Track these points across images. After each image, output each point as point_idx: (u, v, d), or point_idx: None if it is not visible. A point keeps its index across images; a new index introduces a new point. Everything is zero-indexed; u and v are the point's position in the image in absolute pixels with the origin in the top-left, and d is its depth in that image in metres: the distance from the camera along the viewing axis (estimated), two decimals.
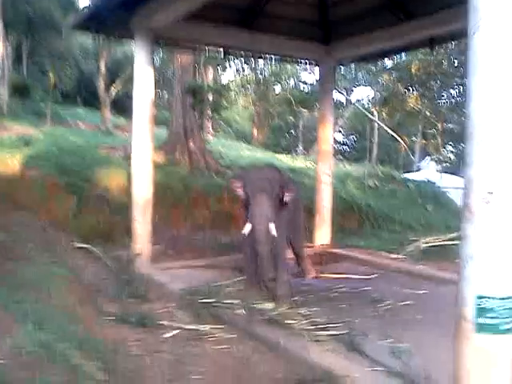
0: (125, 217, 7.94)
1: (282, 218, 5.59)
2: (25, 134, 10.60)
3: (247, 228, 5.29)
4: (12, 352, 2.63)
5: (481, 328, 2.66)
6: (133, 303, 4.90)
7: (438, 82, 20.30)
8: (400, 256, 7.94)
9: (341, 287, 6.07)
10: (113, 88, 20.18)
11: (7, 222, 6.51)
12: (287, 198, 5.62)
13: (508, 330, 2.66)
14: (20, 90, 19.75)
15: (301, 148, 29.64)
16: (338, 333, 4.31)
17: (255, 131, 31.56)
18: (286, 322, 4.37)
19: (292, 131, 34.67)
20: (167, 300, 5.11)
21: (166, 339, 4.07)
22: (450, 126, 25.77)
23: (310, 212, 9.29)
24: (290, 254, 6.81)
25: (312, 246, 8.55)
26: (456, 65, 18.71)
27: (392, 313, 5.07)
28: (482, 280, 2.67)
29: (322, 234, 8.78)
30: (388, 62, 21.36)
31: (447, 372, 3.16)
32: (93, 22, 7.28)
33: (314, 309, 5.04)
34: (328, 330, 4.33)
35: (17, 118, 15.92)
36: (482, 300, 2.65)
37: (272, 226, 5.24)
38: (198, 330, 4.28)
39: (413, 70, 18.87)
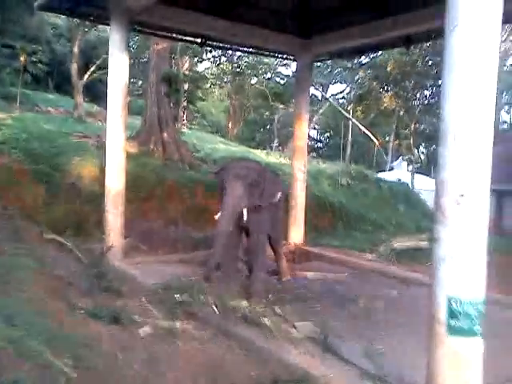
0: (97, 208, 7.80)
1: (262, 212, 5.59)
2: None
3: (218, 215, 5.28)
4: None
5: (453, 330, 2.70)
6: (105, 298, 4.80)
7: (413, 81, 20.57)
8: (372, 256, 8.02)
9: (314, 286, 6.10)
10: (86, 73, 19.71)
11: None
12: (276, 197, 5.67)
13: (480, 332, 2.69)
14: None
15: (276, 143, 29.67)
16: (312, 333, 4.32)
17: (230, 124, 31.45)
18: (260, 320, 4.34)
19: (267, 126, 34.65)
20: (140, 295, 5.02)
21: (140, 336, 3.99)
22: (423, 126, 26.22)
23: (285, 209, 9.31)
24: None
25: (285, 244, 8.55)
26: (430, 65, 18.98)
27: (365, 314, 5.11)
28: (454, 282, 2.71)
29: (296, 232, 8.79)
30: (364, 60, 21.56)
31: (420, 373, 3.20)
32: (65, 2, 7.08)
33: (288, 307, 5.05)
34: (302, 330, 4.34)
35: None
36: (454, 302, 2.68)
37: (244, 212, 5.24)
38: (171, 326, 4.22)
39: (388, 69, 19.07)
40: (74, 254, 5.99)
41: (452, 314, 2.69)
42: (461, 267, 2.68)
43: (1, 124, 9.34)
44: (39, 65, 19.99)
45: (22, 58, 18.82)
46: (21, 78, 18.54)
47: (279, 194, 5.77)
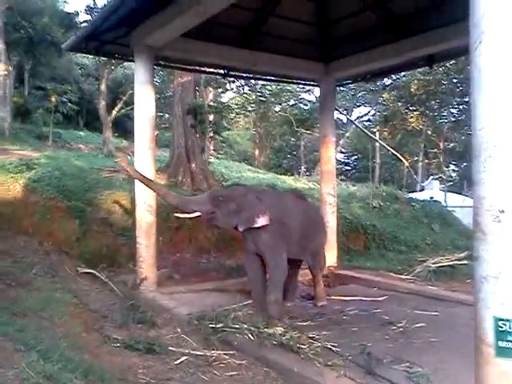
0: (129, 240, 7.87)
1: (265, 233, 5.57)
2: (27, 158, 10.56)
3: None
4: None
5: (502, 352, 2.54)
6: (140, 329, 4.79)
7: (438, 100, 20.37)
8: (409, 277, 7.82)
9: (351, 310, 5.96)
10: (114, 109, 20.26)
11: (10, 248, 6.41)
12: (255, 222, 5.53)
13: None
14: (22, 113, 19.85)
15: (303, 169, 29.65)
16: (351, 357, 4.20)
17: (257, 152, 31.64)
18: (297, 346, 4.25)
19: (294, 152, 34.72)
20: (175, 325, 4.99)
21: (176, 366, 3.94)
22: (452, 144, 25.85)
23: None
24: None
25: None
26: (455, 83, 18.77)
27: (405, 335, 4.95)
28: (499, 302, 2.56)
29: (329, 256, 8.61)
30: (388, 81, 21.51)
31: None
32: (90, 42, 7.32)
33: (325, 332, 4.94)
34: (341, 355, 4.22)
35: (19, 141, 15.95)
36: (501, 322, 2.53)
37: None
38: (207, 355, 4.18)
39: (412, 89, 18.96)
40: (108, 286, 6.01)
41: (500, 336, 2.55)
42: (505, 286, 2.55)
43: (34, 163, 9.59)
44: (69, 104, 20.69)
45: (52, 99, 19.54)
46: (52, 118, 19.20)
47: (260, 219, 5.46)
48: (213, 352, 4.23)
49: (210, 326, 4.77)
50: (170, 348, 4.29)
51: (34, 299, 4.67)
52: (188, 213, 5.56)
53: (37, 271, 5.74)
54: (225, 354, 4.24)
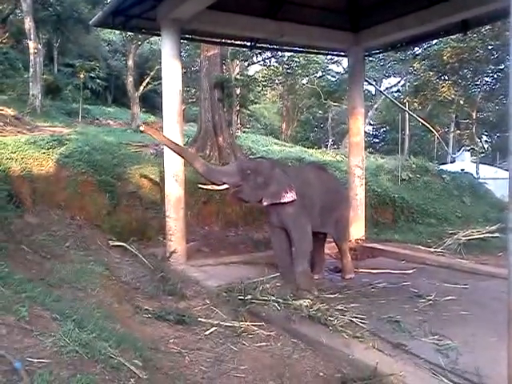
0: (158, 214, 8.00)
1: (289, 207, 5.57)
2: (58, 134, 10.74)
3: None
4: (54, 351, 2.61)
5: None
6: (170, 301, 4.90)
7: (472, 69, 19.69)
8: (438, 250, 7.74)
9: (379, 282, 5.95)
10: (142, 85, 20.33)
11: (44, 222, 6.59)
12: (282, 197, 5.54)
13: None
14: (52, 90, 20.11)
15: (330, 142, 29.34)
16: (380, 329, 4.21)
17: (284, 125, 31.41)
18: (324, 318, 4.28)
19: (321, 125, 34.33)
20: (204, 297, 5.09)
21: (205, 336, 4.03)
22: (485, 114, 25.08)
23: None
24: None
25: None
26: (490, 49, 18.06)
27: (434, 308, 4.93)
28: None
29: (357, 229, 8.64)
30: (418, 50, 20.88)
31: (497, 367, 3.04)
32: (117, 17, 7.33)
33: (353, 305, 4.96)
34: (369, 327, 4.24)
35: (50, 118, 16.23)
36: None
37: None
38: (235, 327, 4.24)
39: (445, 58, 18.34)
40: (139, 259, 6.14)
41: None
42: None
43: (65, 138, 9.75)
44: (97, 80, 20.89)
45: (81, 76, 19.74)
46: (81, 94, 19.41)
47: (287, 195, 5.46)
48: (241, 323, 4.30)
49: (239, 297, 4.83)
50: (200, 319, 4.38)
51: (68, 271, 4.81)
52: (214, 183, 5.51)
53: (70, 244, 5.92)
54: (253, 325, 4.30)
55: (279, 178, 5.54)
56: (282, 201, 5.46)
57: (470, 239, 8.03)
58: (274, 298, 4.72)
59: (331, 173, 7.79)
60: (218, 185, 5.49)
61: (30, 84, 17.07)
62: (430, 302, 5.10)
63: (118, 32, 21.82)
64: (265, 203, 5.52)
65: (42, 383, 2.16)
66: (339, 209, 6.24)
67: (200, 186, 5.77)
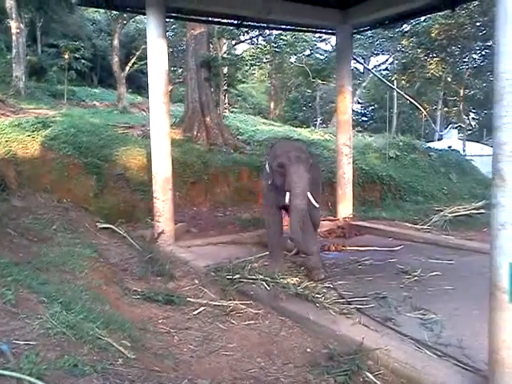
0: (146, 195, 7.98)
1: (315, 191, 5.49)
2: (43, 116, 10.60)
3: (287, 197, 5.07)
4: (40, 333, 2.62)
5: None
6: (159, 281, 4.92)
7: (460, 46, 19.64)
8: (425, 227, 7.82)
9: (366, 260, 6.02)
10: (127, 65, 20.03)
11: (30, 205, 6.54)
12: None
13: None
14: (36, 71, 19.73)
15: (319, 120, 29.26)
16: (366, 306, 4.27)
17: (272, 105, 31.23)
18: (312, 296, 4.32)
19: (310, 104, 34.19)
20: (193, 277, 5.12)
21: (194, 316, 4.06)
22: (472, 92, 25.12)
23: (332, 185, 9.21)
24: None
25: (335, 219, 8.48)
26: (479, 26, 17.99)
27: (420, 284, 5.01)
28: None
29: (344, 207, 8.70)
30: (407, 28, 20.75)
31: (479, 340, 3.11)
32: None
33: (340, 282, 5.02)
34: (356, 303, 4.30)
35: (34, 100, 15.97)
36: None
37: (310, 196, 5.12)
38: (224, 306, 4.29)
39: (433, 35, 18.26)
40: (127, 241, 6.13)
41: None
42: None
43: (50, 121, 9.63)
44: (82, 61, 20.44)
45: (65, 56, 19.33)
46: (66, 75, 19.07)
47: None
48: (230, 302, 4.34)
49: (227, 277, 4.85)
50: (189, 299, 4.41)
51: (56, 254, 4.78)
52: None
53: (57, 227, 5.87)
54: (242, 303, 4.35)
55: None
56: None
57: (456, 216, 8.14)
58: (261, 277, 4.74)
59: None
60: None
61: (13, 65, 16.68)
62: (416, 277, 5.18)
63: (102, 11, 21.35)
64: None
65: (29, 365, 2.16)
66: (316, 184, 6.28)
67: None
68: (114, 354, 2.68)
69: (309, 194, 5.08)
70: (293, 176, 5.00)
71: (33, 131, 8.63)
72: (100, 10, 18.86)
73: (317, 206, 5.38)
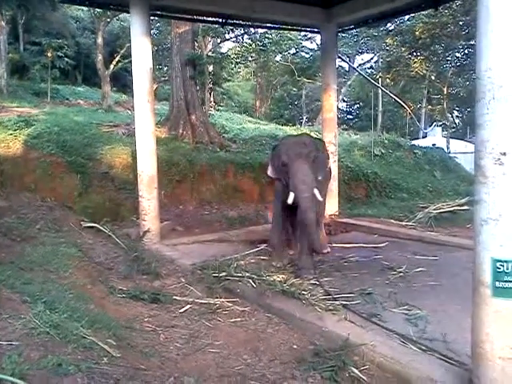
0: (131, 194, 7.93)
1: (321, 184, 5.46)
2: (26, 115, 10.48)
3: (291, 197, 5.03)
4: (23, 333, 2.59)
5: (499, 292, 2.60)
6: (145, 280, 4.89)
7: (443, 44, 19.84)
8: (410, 223, 7.89)
9: (352, 256, 6.04)
10: (112, 63, 19.88)
11: (13, 204, 6.47)
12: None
13: None
14: (18, 69, 19.50)
15: (305, 119, 29.34)
16: (351, 302, 4.29)
17: (258, 103, 31.24)
18: (298, 293, 4.33)
19: (295, 102, 34.27)
20: (179, 275, 5.10)
21: (180, 314, 4.05)
22: (456, 90, 25.38)
23: None
24: None
25: None
26: (461, 25, 18.20)
27: (405, 280, 5.04)
28: (497, 243, 2.59)
29: (330, 204, 8.70)
30: (391, 26, 20.91)
31: (463, 335, 3.14)
32: None
33: (326, 279, 5.04)
34: (341, 300, 4.31)
35: (17, 99, 15.78)
36: (499, 264, 2.58)
37: (316, 192, 5.07)
38: (210, 303, 4.27)
39: (417, 33, 18.42)
40: (112, 239, 6.08)
41: (497, 276, 2.60)
42: (504, 228, 2.57)
43: (33, 119, 9.52)
44: (66, 59, 20.25)
45: (49, 54, 19.14)
46: (49, 74, 18.87)
47: (329, 165, 5.91)
48: (216, 300, 4.33)
49: (213, 275, 4.84)
50: (175, 297, 4.39)
51: (40, 254, 4.74)
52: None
53: (41, 226, 5.81)
54: (228, 301, 4.33)
55: None
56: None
57: (440, 212, 8.22)
58: (248, 275, 4.74)
59: None
60: None
61: None
62: (401, 273, 5.21)
63: (86, 9, 21.20)
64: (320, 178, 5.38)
65: (11, 365, 2.13)
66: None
67: None
68: (98, 352, 2.66)
69: (315, 190, 5.04)
70: (294, 179, 5.01)
71: (15, 130, 8.52)
72: (83, 7, 18.69)
73: (321, 199, 5.33)
